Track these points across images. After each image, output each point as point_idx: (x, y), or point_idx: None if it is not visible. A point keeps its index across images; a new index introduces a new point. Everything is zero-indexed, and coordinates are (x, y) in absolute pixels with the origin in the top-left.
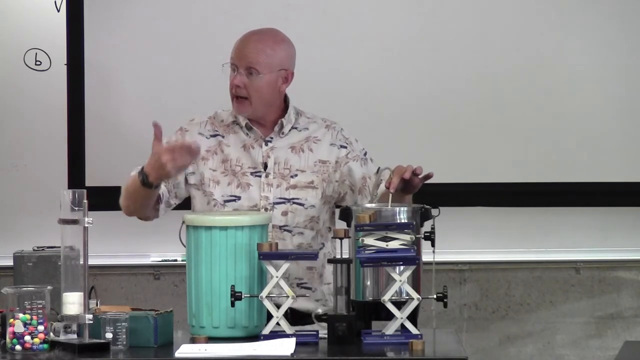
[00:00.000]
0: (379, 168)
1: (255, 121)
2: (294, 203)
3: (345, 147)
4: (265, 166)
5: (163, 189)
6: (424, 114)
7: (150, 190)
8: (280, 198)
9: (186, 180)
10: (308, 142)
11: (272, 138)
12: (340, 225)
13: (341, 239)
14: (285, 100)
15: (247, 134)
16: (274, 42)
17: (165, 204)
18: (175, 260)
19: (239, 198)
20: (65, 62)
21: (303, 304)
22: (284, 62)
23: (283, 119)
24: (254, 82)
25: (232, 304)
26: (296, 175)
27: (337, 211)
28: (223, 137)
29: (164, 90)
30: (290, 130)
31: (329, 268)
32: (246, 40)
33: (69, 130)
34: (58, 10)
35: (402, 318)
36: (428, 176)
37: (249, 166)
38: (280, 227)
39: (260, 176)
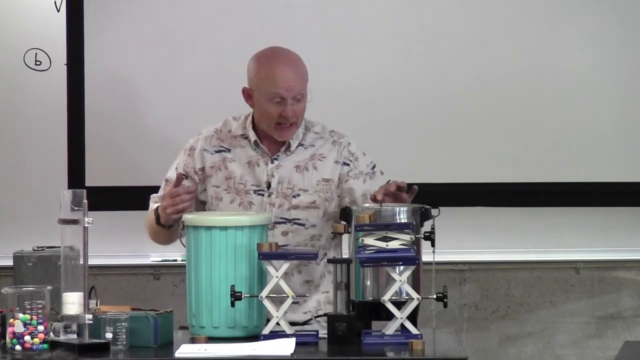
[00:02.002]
0: (389, 181)
1: (265, 137)
2: (295, 223)
3: (348, 165)
4: (269, 185)
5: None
6: (424, 114)
7: (165, 229)
8: (281, 218)
9: (198, 198)
10: (313, 160)
11: (278, 156)
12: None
13: (341, 234)
14: None
15: (255, 149)
16: (299, 62)
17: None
18: (175, 260)
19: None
20: (65, 62)
21: (291, 316)
22: (308, 75)
23: (291, 140)
24: (300, 107)
25: (232, 304)
26: (299, 195)
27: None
28: (229, 150)
29: (163, 90)
30: (297, 148)
31: (329, 277)
32: (284, 70)
33: (69, 131)
34: (58, 10)
35: (402, 318)
36: (413, 190)
37: (253, 184)
38: (279, 246)
39: (263, 195)
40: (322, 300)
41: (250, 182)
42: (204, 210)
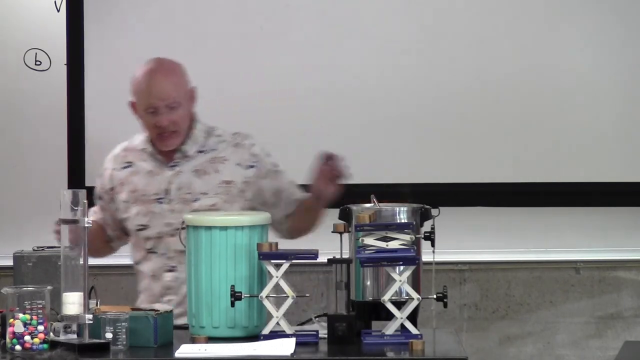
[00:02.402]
0: (291, 181)
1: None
2: None
3: (253, 167)
4: (167, 192)
5: (109, 231)
6: (424, 114)
7: None
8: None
9: (116, 217)
10: (214, 163)
11: (177, 162)
12: None
13: (341, 233)
14: (196, 118)
15: (154, 160)
16: (175, 69)
17: (118, 241)
18: None
19: (147, 227)
20: (65, 62)
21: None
22: (188, 83)
23: (184, 146)
24: (179, 114)
25: (232, 304)
26: (199, 199)
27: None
28: (133, 165)
29: None
30: (197, 154)
31: None
32: (154, 80)
33: (69, 131)
34: (58, 10)
35: (402, 318)
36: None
37: (154, 193)
38: (183, 251)
39: (163, 202)
40: None
41: (152, 192)
42: (123, 228)
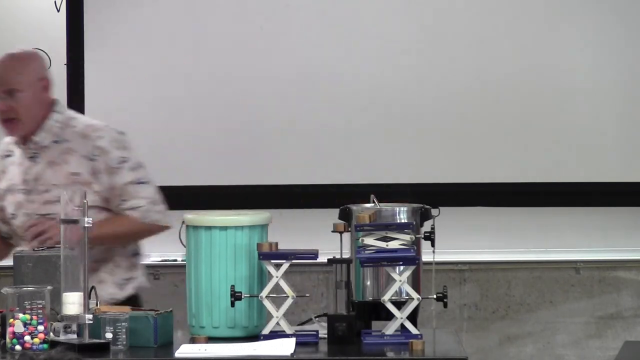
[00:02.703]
0: (131, 182)
1: (29, 137)
2: (49, 218)
3: (93, 160)
4: (26, 182)
5: (3, 228)
6: (424, 114)
7: None
8: (37, 215)
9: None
10: (64, 154)
11: (36, 153)
12: None
13: (341, 233)
14: (55, 109)
15: (20, 150)
16: (21, 58)
17: (16, 237)
18: (175, 260)
19: (15, 216)
20: (65, 62)
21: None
22: (38, 72)
23: (36, 137)
24: (19, 101)
25: (232, 304)
26: (50, 190)
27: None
28: (13, 155)
29: (163, 90)
30: (53, 144)
31: (121, 261)
32: None
33: None
34: (58, 10)
35: (402, 318)
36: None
37: (20, 183)
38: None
39: (24, 193)
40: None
41: (19, 182)
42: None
